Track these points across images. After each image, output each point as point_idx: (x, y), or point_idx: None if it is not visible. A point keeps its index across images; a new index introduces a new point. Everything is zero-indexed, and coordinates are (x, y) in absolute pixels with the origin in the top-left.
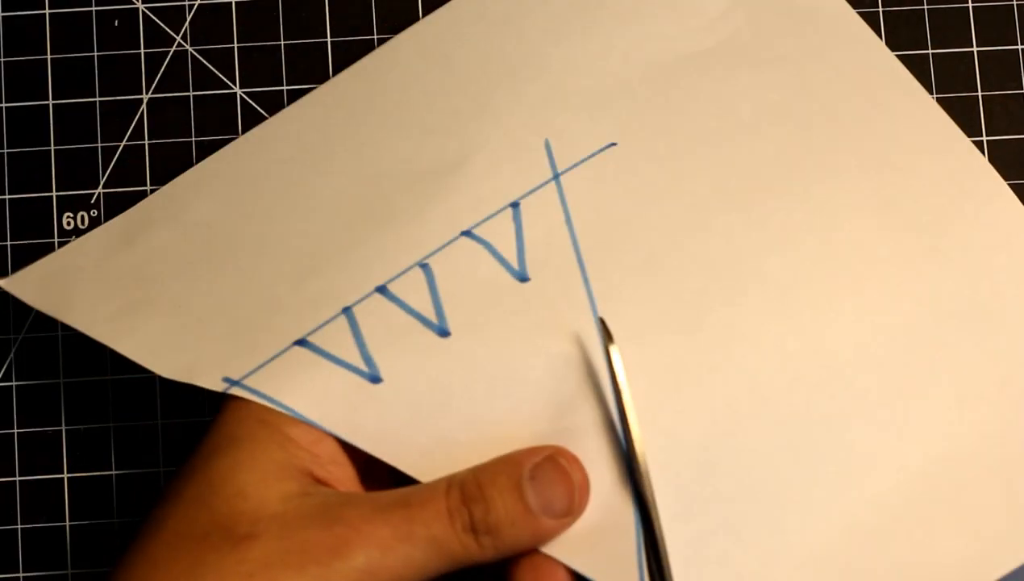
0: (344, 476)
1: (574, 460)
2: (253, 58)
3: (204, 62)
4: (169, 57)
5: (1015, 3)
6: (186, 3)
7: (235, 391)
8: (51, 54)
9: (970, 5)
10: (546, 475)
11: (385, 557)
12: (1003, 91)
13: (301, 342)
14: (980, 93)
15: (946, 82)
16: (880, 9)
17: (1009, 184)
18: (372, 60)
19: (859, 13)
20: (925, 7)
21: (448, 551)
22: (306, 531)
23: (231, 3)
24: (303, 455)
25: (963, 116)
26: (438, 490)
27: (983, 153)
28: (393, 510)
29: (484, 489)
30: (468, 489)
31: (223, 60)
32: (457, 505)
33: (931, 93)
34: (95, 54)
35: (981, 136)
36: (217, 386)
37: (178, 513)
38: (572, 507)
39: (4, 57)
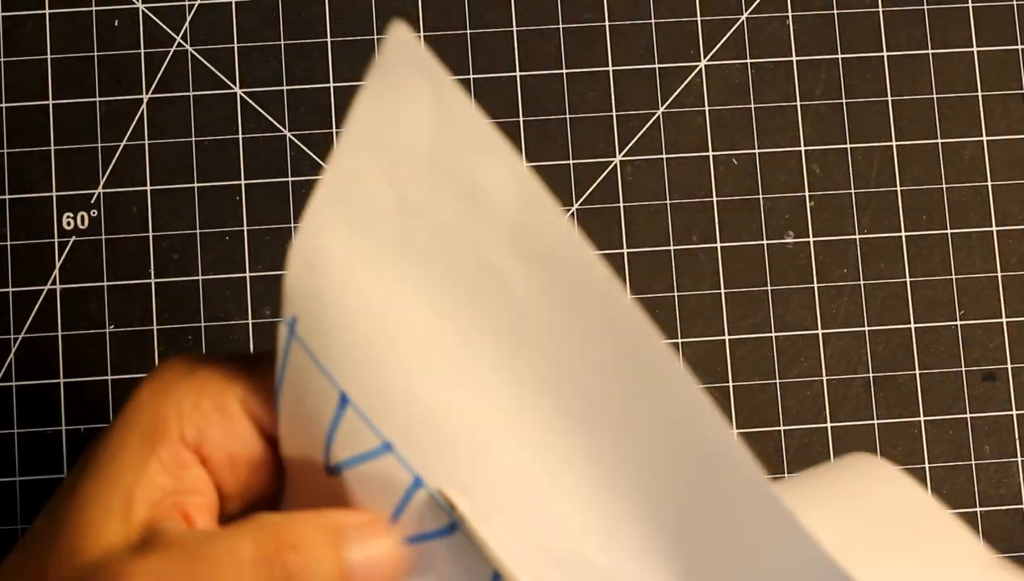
0: (205, 505)
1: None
2: (253, 58)
3: (204, 62)
4: (169, 57)
5: (1015, 3)
6: (186, 3)
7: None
8: (51, 54)
9: (970, 5)
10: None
11: None
12: (1003, 91)
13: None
14: (980, 93)
15: (946, 82)
16: (880, 9)
17: (1009, 184)
18: None
19: (859, 13)
20: (925, 7)
21: None
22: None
23: (231, 3)
24: (161, 480)
25: (963, 116)
26: (239, 547)
27: (983, 153)
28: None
29: (296, 552)
30: (280, 551)
31: (223, 60)
32: (267, 570)
33: (931, 93)
34: (95, 54)
35: (981, 136)
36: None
37: (29, 565)
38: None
39: (4, 57)
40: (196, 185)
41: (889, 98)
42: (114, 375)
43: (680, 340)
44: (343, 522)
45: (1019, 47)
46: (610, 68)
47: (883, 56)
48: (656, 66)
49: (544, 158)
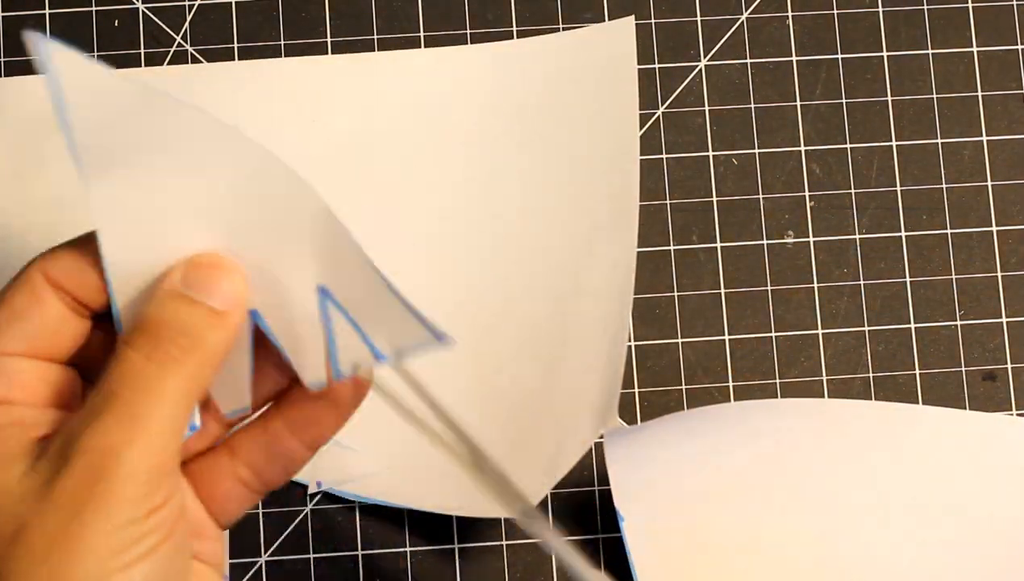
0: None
1: (213, 255)
2: (253, 58)
3: (204, 62)
4: (169, 57)
5: (1015, 3)
6: (186, 3)
7: None
8: None
9: (970, 5)
10: (197, 275)
11: (145, 447)
12: (1003, 91)
13: None
14: (980, 93)
15: (946, 82)
16: (880, 9)
17: (1009, 184)
18: None
19: (859, 13)
20: (925, 7)
21: (183, 390)
22: (62, 483)
23: (231, 3)
24: (10, 414)
25: (963, 116)
26: (127, 358)
27: (983, 153)
28: (111, 408)
29: (156, 317)
30: (147, 326)
31: (223, 60)
32: (157, 347)
33: (931, 93)
34: (95, 54)
35: (981, 136)
36: None
37: None
38: (240, 283)
39: (4, 57)
40: None
41: (889, 98)
42: None
43: (680, 340)
44: (166, 282)
45: (1019, 47)
46: None
47: (883, 56)
48: (656, 66)
49: None
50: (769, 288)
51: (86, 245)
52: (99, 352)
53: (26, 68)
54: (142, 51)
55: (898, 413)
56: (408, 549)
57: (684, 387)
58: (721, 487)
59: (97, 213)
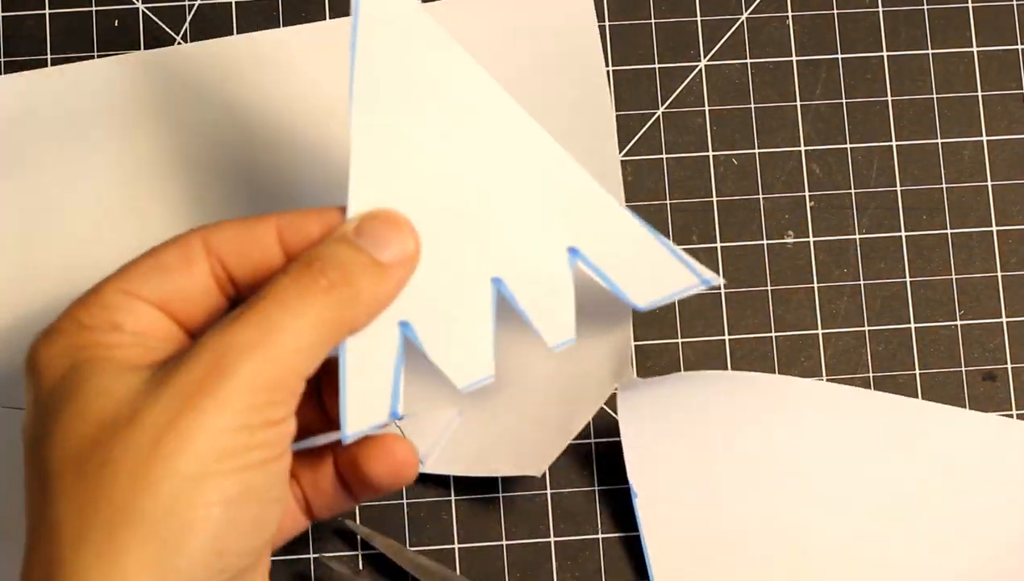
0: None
1: (391, 212)
2: None
3: None
4: None
5: (1015, 3)
6: (186, 3)
7: None
8: (51, 54)
9: (970, 5)
10: (371, 226)
11: (273, 356)
12: (1003, 91)
13: None
14: (980, 93)
15: (946, 82)
16: (880, 9)
17: (1009, 184)
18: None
19: (859, 13)
20: (925, 7)
21: (322, 317)
22: (181, 374)
23: (231, 3)
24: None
25: (963, 116)
26: (275, 281)
27: (983, 153)
28: (245, 315)
29: (315, 252)
30: (305, 257)
31: None
32: (306, 273)
33: (931, 93)
34: (95, 54)
35: (981, 136)
36: None
37: (56, 451)
38: (409, 244)
39: (4, 57)
40: None
41: (889, 98)
42: None
43: (680, 340)
44: (340, 225)
45: (1019, 47)
46: (610, 68)
47: (883, 56)
48: (656, 66)
49: None
50: (769, 288)
51: (253, 225)
52: None
53: (26, 68)
54: (142, 51)
55: (899, 410)
56: (408, 549)
57: None
58: (732, 467)
59: (356, 138)
